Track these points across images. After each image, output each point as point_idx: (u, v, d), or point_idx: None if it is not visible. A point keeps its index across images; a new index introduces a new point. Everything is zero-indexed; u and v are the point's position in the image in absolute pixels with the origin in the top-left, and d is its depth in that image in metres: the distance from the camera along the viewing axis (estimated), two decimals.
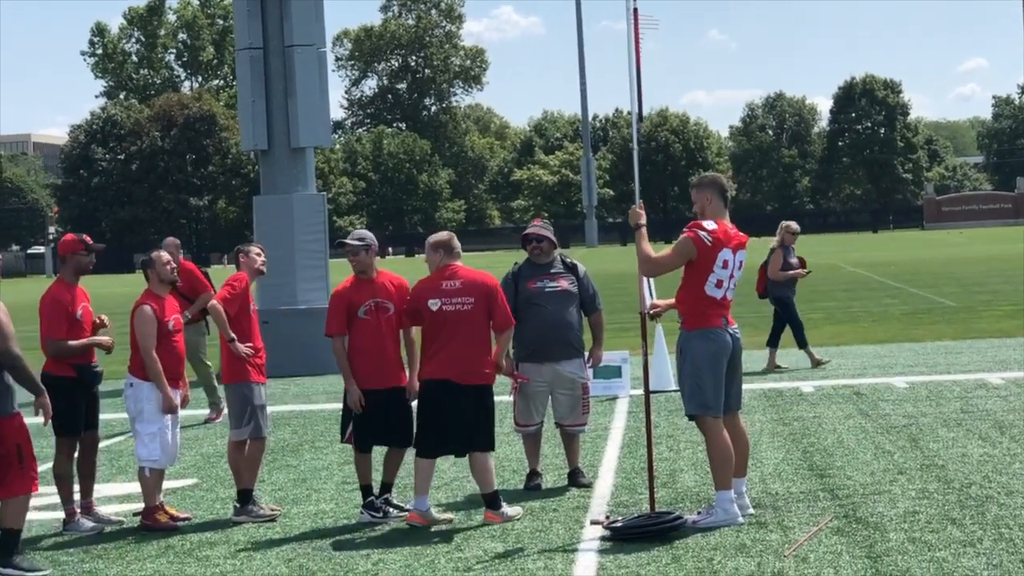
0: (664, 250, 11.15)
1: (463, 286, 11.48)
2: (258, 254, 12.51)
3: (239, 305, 12.15)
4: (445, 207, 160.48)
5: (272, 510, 12.11)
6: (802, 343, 21.81)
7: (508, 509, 11.46)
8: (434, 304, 11.44)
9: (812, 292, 41.32)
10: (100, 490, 13.34)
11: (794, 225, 22.19)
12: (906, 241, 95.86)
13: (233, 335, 12.06)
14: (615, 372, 18.88)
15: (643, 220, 11.08)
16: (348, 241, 11.89)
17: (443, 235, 11.87)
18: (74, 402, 11.93)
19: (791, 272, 21.67)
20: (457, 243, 11.78)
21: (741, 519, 10.78)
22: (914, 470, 12.60)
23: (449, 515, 11.63)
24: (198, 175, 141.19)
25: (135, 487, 12.74)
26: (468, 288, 11.49)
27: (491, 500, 11.48)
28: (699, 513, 10.92)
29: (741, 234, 11.18)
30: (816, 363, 21.45)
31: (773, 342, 21.84)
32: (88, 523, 11.96)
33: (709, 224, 10.95)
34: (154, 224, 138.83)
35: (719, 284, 10.93)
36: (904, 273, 48.92)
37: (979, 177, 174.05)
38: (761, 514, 11.05)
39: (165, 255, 12.20)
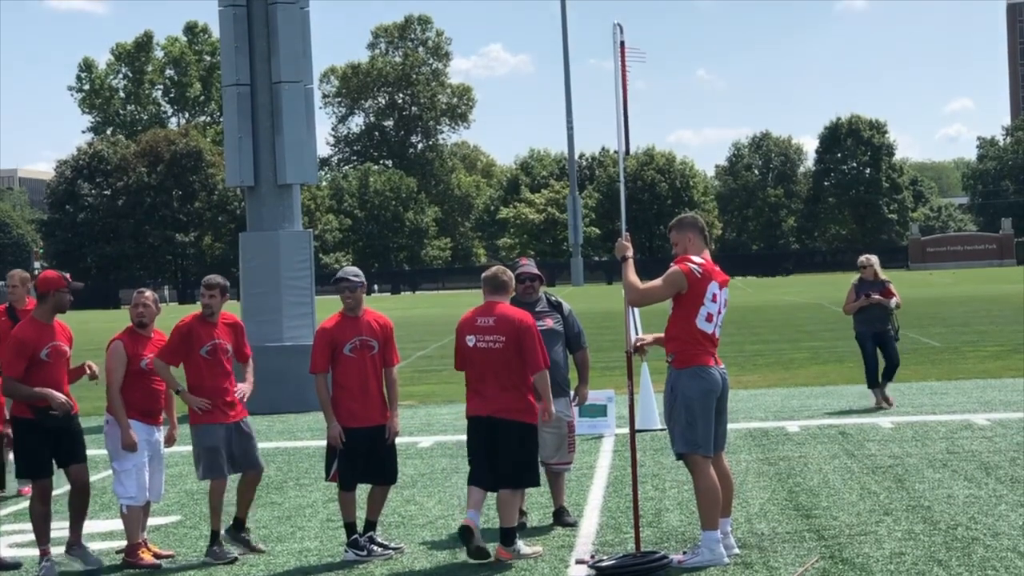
0: (652, 281, 11.14)
1: (496, 324, 11.53)
2: (201, 294, 12.27)
3: (185, 350, 11.96)
4: (431, 245, 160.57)
5: (256, 549, 12.00)
6: (870, 383, 21.08)
7: (524, 547, 11.44)
8: (470, 340, 11.60)
9: (798, 332, 41.40)
10: (85, 526, 13.28)
11: (861, 258, 21.64)
12: (891, 281, 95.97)
13: (180, 386, 12.02)
14: (600, 411, 18.83)
15: (630, 252, 11.10)
16: (351, 277, 11.90)
17: (490, 271, 11.94)
18: (34, 444, 11.64)
19: (857, 303, 21.08)
20: (504, 278, 11.82)
21: (727, 559, 10.75)
22: (900, 511, 12.58)
23: (537, 549, 11.54)
24: (184, 211, 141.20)
25: (120, 524, 12.66)
26: (500, 326, 11.52)
27: (505, 535, 11.42)
28: (684, 553, 10.89)
29: (724, 273, 11.22)
30: (882, 403, 20.90)
31: (884, 377, 21.17)
32: (54, 565, 11.61)
33: (697, 258, 10.98)
34: (140, 260, 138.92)
35: (709, 318, 10.94)
36: None
37: (964, 218, 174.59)
38: (747, 554, 11.02)
39: (144, 297, 11.98)
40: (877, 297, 21.09)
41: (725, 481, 11.14)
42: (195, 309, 12.25)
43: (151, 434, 11.92)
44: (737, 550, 11.08)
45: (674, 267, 10.95)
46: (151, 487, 11.95)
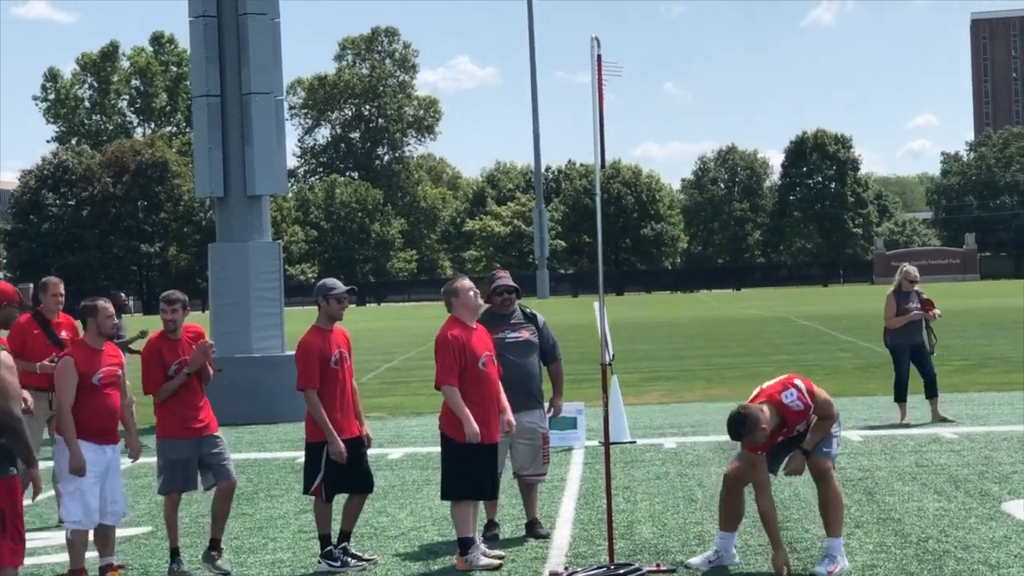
0: (821, 411, 10.96)
1: None
2: (162, 310, 12.00)
3: (160, 371, 11.79)
4: (397, 257, 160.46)
5: (220, 569, 11.84)
6: (897, 397, 20.75)
7: (481, 559, 11.48)
8: None
9: (765, 345, 41.50)
10: (52, 537, 13.27)
11: (912, 271, 21.05)
12: (856, 295, 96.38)
13: (185, 368, 11.75)
14: (570, 423, 18.86)
15: (800, 457, 11.07)
16: (347, 290, 11.96)
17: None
18: None
19: (908, 316, 20.57)
20: (443, 294, 12.06)
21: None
22: (871, 523, 12.64)
23: (493, 561, 11.57)
24: (149, 222, 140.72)
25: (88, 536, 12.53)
26: None
27: (458, 544, 11.62)
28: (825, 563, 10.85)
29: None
30: (904, 422, 20.44)
31: (929, 393, 20.84)
32: None
33: (788, 396, 10.91)
34: (104, 270, 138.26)
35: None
36: (855, 327, 49.14)
37: (928, 233, 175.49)
38: (720, 568, 11.06)
39: (110, 306, 11.53)
40: (934, 312, 20.82)
41: (743, 495, 11.41)
42: (155, 319, 12.00)
43: (103, 454, 11.28)
44: (738, 559, 11.29)
45: (820, 403, 10.97)
46: (109, 506, 11.37)
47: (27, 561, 11.93)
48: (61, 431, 11.21)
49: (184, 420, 11.78)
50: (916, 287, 20.98)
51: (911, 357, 20.90)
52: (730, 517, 11.33)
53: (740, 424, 10.62)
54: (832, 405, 11.02)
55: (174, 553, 11.76)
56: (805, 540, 11.96)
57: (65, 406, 11.15)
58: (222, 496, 12.02)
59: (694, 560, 11.26)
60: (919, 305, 20.80)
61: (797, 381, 10.96)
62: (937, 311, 21.07)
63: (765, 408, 10.71)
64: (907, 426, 20.27)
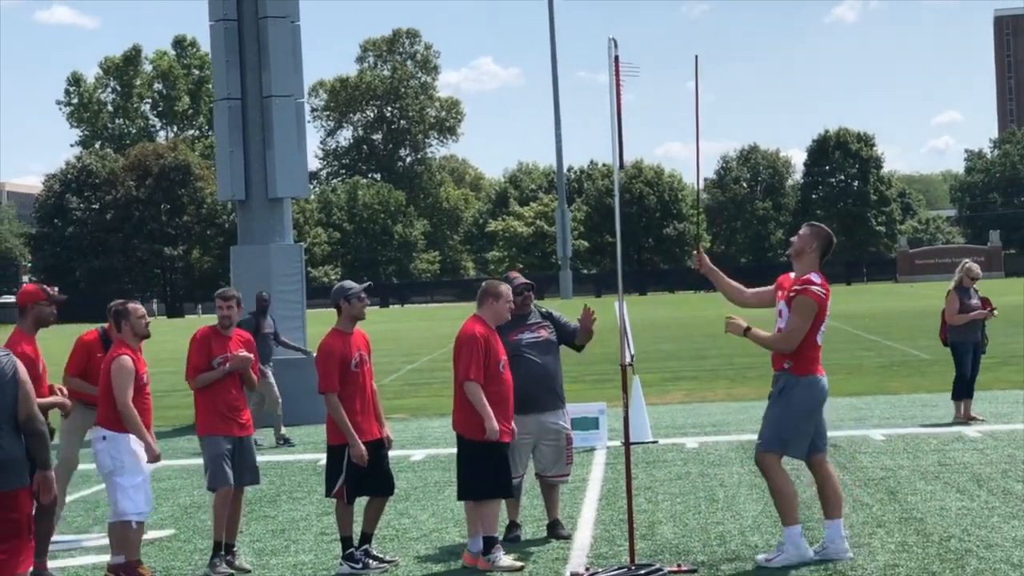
0: (789, 323, 11.17)
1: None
2: (219, 306, 12.45)
3: (205, 361, 12.13)
4: (420, 258, 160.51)
5: (242, 568, 11.94)
6: (956, 394, 20.54)
7: (503, 559, 11.47)
8: None
9: None
10: (81, 540, 13.32)
11: (974, 267, 20.94)
12: (880, 293, 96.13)
13: (224, 367, 12.08)
14: (592, 423, 18.90)
15: (745, 323, 11.30)
16: (367, 283, 12.08)
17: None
18: None
19: (973, 314, 20.50)
20: (482, 290, 12.06)
21: (811, 554, 10.90)
22: (893, 523, 12.62)
23: (516, 563, 11.55)
24: (173, 225, 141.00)
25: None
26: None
27: (484, 543, 11.62)
28: (767, 552, 10.90)
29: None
30: (968, 418, 20.29)
31: (967, 392, 20.59)
32: None
33: (815, 277, 11.23)
34: (128, 274, 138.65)
35: (823, 331, 11.28)
36: (878, 325, 49.06)
37: (952, 231, 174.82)
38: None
39: (140, 307, 11.86)
40: (995, 312, 20.84)
41: (832, 482, 11.44)
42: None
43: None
44: (851, 553, 11.19)
45: (801, 296, 11.12)
46: None
47: (54, 564, 12.01)
48: (122, 426, 11.35)
49: (226, 419, 12.06)
50: (975, 284, 20.88)
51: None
52: (827, 503, 11.35)
53: (824, 228, 11.77)
54: (788, 338, 11.14)
55: (217, 547, 11.90)
56: (809, 537, 11.93)
57: (129, 401, 11.35)
58: (236, 500, 12.19)
59: (808, 552, 11.29)
60: (980, 303, 20.71)
61: (827, 308, 11.21)
62: (996, 310, 21.02)
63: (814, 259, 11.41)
64: (973, 420, 20.23)
